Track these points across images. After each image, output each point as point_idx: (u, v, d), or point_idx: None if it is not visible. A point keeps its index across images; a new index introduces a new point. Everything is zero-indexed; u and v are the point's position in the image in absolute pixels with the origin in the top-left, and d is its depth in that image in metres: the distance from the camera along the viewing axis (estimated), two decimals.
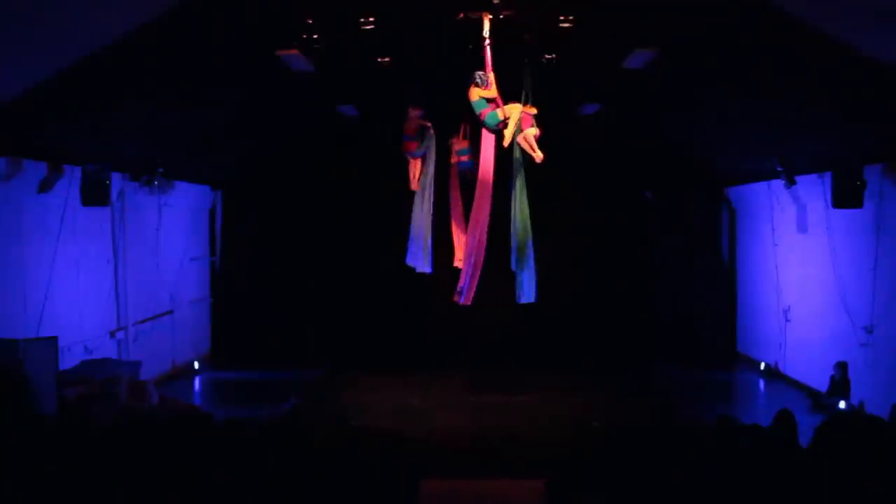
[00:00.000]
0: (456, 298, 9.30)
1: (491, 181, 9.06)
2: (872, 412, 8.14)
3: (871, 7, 6.39)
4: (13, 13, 6.20)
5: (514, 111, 8.55)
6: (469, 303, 9.31)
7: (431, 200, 10.13)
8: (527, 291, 9.58)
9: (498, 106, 8.41)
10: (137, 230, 11.70)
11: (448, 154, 10.76)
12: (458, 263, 10.15)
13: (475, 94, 8.47)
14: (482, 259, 9.20)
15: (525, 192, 9.46)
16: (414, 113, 9.99)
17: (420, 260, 10.20)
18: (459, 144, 10.46)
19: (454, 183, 10.61)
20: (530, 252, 9.52)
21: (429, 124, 10.07)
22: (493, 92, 8.44)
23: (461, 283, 9.31)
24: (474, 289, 9.25)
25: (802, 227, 11.83)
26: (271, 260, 14.68)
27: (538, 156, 8.73)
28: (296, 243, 14.63)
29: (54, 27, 6.59)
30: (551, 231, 13.88)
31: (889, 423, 5.32)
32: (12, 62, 6.89)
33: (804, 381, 11.62)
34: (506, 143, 8.68)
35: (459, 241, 10.26)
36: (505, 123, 8.59)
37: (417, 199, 10.22)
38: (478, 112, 8.53)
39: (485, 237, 9.12)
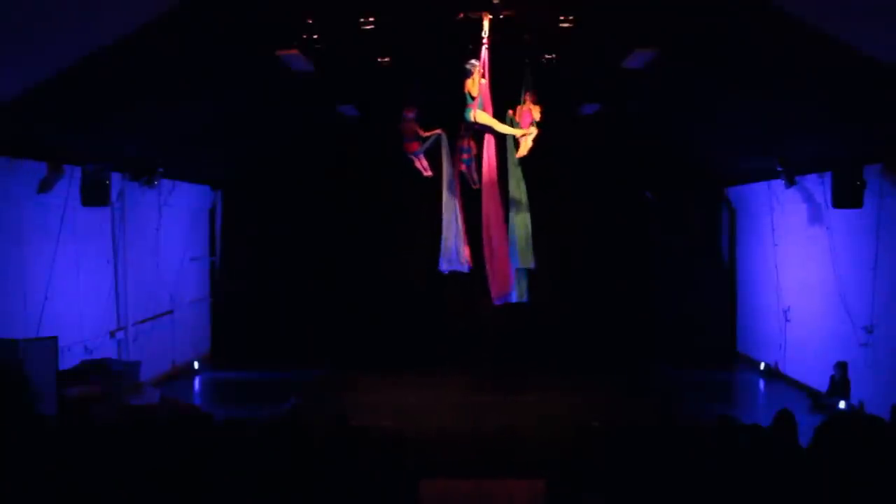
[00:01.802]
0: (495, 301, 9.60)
1: (495, 180, 9.14)
2: (872, 412, 8.12)
3: (871, 7, 6.40)
4: (13, 13, 6.20)
5: (487, 120, 8.69)
6: (501, 295, 9.52)
7: (457, 205, 10.01)
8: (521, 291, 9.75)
9: (474, 107, 8.54)
10: (137, 230, 11.70)
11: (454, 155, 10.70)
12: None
13: (467, 85, 8.59)
14: (501, 256, 9.32)
15: (526, 208, 9.62)
16: (409, 115, 9.94)
17: (455, 263, 10.10)
18: (462, 144, 10.41)
19: (457, 185, 10.50)
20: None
21: (438, 131, 10.01)
22: (474, 90, 8.52)
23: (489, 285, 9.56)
24: (505, 284, 9.42)
25: (802, 228, 11.83)
26: (271, 260, 14.68)
27: (522, 150, 9.03)
28: (295, 243, 14.63)
29: (54, 27, 6.58)
30: (551, 231, 13.93)
31: (889, 423, 5.32)
32: (12, 62, 6.89)
33: (804, 381, 11.62)
34: (518, 153, 9.15)
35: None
36: (480, 126, 8.73)
37: (444, 207, 10.08)
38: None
39: (502, 234, 9.24)
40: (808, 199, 11.40)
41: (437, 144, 10.02)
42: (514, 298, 9.79)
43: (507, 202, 9.64)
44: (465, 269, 10.06)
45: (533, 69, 9.60)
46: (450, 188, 9.93)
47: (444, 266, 10.09)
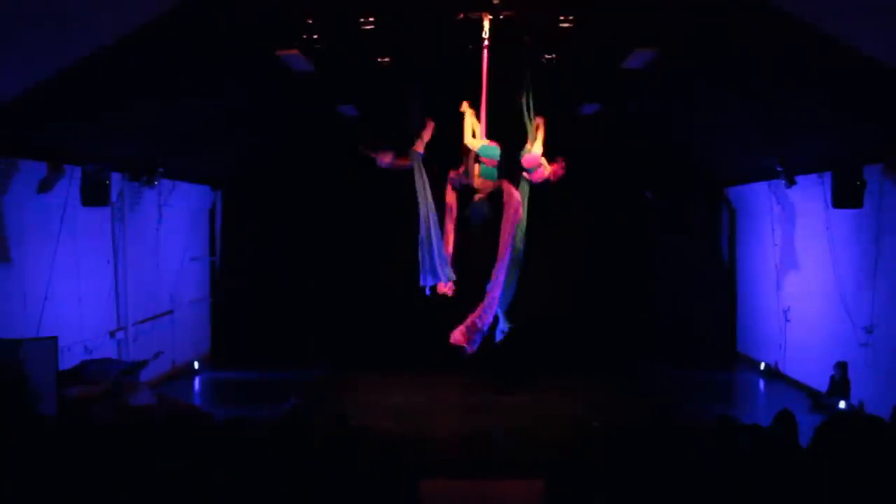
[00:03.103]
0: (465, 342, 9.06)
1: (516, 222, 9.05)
2: (872, 412, 8.13)
3: (871, 7, 6.40)
4: (13, 13, 6.20)
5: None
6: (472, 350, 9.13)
7: (436, 222, 9.85)
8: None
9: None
10: (137, 230, 11.70)
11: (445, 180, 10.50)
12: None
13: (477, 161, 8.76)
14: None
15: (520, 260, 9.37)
16: (384, 160, 9.57)
17: (442, 275, 9.94)
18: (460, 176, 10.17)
19: (450, 212, 10.28)
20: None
21: (410, 160, 9.87)
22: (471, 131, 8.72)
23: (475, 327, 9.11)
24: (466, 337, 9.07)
25: (802, 227, 11.83)
26: (271, 260, 14.68)
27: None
28: (296, 243, 14.63)
29: (54, 27, 6.59)
30: (551, 231, 13.94)
31: (889, 423, 5.32)
32: (12, 62, 6.89)
33: (804, 381, 11.62)
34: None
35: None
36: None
37: (422, 225, 9.92)
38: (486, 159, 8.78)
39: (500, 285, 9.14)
40: (808, 199, 11.39)
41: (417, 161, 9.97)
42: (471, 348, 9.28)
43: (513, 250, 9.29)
44: (448, 280, 9.86)
45: (533, 72, 9.59)
46: (426, 204, 9.80)
47: (427, 280, 9.91)
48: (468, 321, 9.10)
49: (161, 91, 9.19)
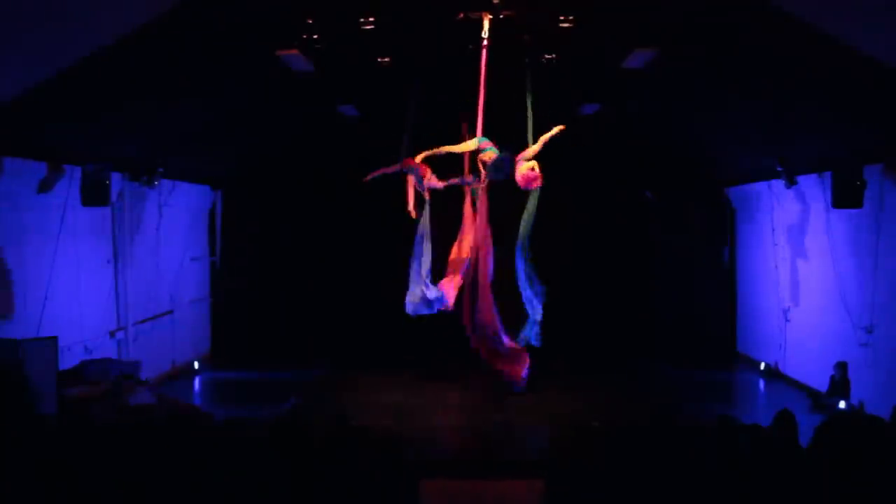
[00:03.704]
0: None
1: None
2: (872, 412, 8.13)
3: (871, 7, 6.40)
4: (13, 13, 6.20)
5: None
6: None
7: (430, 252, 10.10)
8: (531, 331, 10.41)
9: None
10: (137, 230, 11.70)
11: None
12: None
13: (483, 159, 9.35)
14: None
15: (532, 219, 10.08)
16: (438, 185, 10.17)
17: (436, 301, 10.14)
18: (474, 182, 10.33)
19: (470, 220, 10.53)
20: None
21: (415, 163, 10.05)
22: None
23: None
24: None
25: (802, 227, 11.83)
26: (271, 260, 14.68)
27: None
28: (296, 243, 14.64)
29: (54, 27, 6.58)
30: (551, 231, 13.92)
31: (889, 423, 5.32)
32: (12, 62, 6.89)
33: (804, 381, 11.62)
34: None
35: (455, 281, 10.36)
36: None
37: (417, 250, 10.16)
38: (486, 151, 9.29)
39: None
40: (809, 198, 11.40)
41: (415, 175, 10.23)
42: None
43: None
44: (441, 304, 10.11)
45: (533, 72, 9.61)
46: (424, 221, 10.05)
47: (411, 308, 10.22)
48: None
49: (161, 91, 9.18)
